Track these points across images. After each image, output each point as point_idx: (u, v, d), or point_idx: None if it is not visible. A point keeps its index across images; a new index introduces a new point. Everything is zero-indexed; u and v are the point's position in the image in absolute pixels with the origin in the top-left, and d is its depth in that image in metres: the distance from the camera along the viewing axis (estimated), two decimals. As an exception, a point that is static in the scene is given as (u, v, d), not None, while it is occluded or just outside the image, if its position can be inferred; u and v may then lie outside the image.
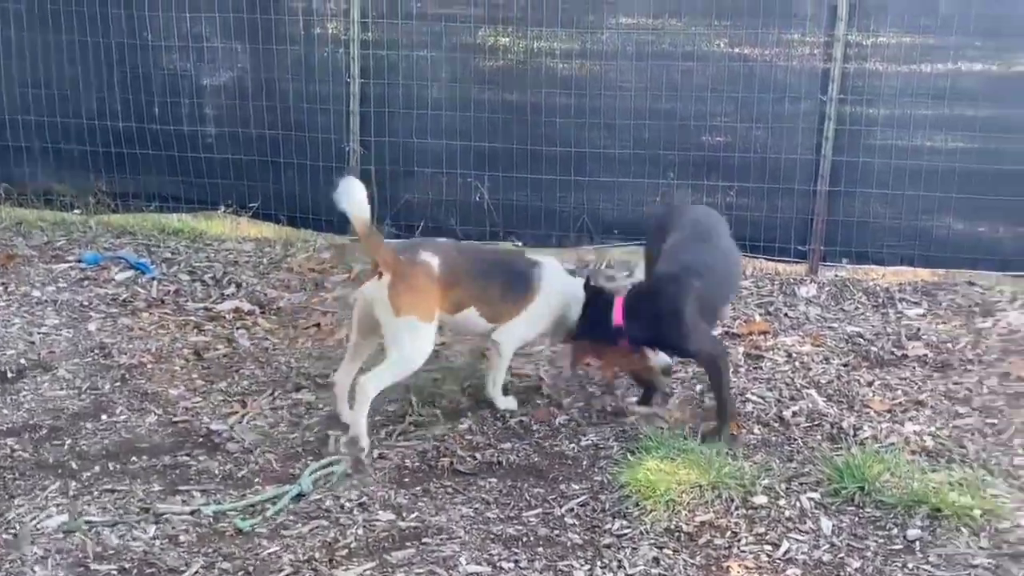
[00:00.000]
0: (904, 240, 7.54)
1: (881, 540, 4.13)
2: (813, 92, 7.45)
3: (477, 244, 5.49)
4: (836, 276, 7.30)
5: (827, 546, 4.08)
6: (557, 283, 5.26)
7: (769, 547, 4.07)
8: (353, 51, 7.85)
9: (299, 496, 4.41)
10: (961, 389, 5.54)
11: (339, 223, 7.81)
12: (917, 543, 4.09)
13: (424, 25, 7.91)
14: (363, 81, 7.88)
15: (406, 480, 4.58)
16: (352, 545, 4.08)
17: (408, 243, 5.43)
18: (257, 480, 4.59)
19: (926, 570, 3.93)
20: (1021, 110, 7.30)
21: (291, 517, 4.28)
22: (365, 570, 3.91)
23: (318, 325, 6.31)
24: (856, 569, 3.95)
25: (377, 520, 4.25)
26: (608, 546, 4.09)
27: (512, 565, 3.96)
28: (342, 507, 4.35)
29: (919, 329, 6.36)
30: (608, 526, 4.22)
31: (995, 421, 5.18)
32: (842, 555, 4.01)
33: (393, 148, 7.92)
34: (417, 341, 4.88)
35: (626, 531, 4.18)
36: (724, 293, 5.36)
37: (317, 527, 4.21)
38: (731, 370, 5.22)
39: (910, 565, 3.96)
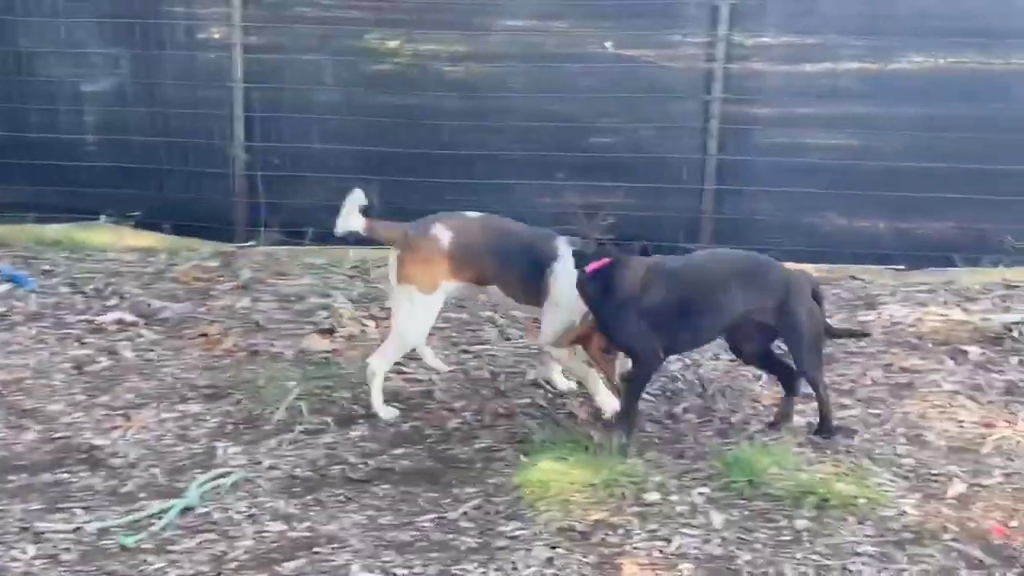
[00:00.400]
0: (790, 236, 7.68)
1: (770, 532, 4.17)
2: (697, 92, 7.57)
3: (508, 220, 5.28)
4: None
5: (718, 540, 4.10)
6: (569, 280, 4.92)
7: (661, 543, 4.08)
8: (235, 55, 7.73)
9: (186, 510, 4.30)
10: (845, 381, 5.64)
11: (225, 230, 7.71)
12: (805, 533, 4.14)
13: (309, 28, 7.84)
14: (247, 85, 7.77)
15: (297, 490, 4.50)
16: (242, 558, 3.99)
17: (436, 216, 5.28)
18: (142, 495, 4.46)
19: (814, 559, 3.98)
20: (899, 107, 7.51)
21: (178, 532, 4.17)
22: (255, 582, 3.84)
23: (205, 335, 6.18)
24: (747, 561, 3.98)
25: (267, 531, 4.16)
26: (502, 548, 4.06)
27: (406, 571, 3.90)
28: (231, 519, 4.25)
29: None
30: (502, 528, 4.20)
31: (879, 412, 5.28)
32: (733, 548, 4.04)
33: (280, 153, 7.82)
34: (414, 310, 5.04)
35: (520, 532, 4.15)
36: (702, 323, 4.81)
37: (205, 541, 4.11)
38: (646, 385, 4.96)
39: (799, 555, 4.01)
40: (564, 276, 4.89)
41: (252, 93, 7.79)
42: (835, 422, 4.95)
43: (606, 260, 4.71)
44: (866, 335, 5.86)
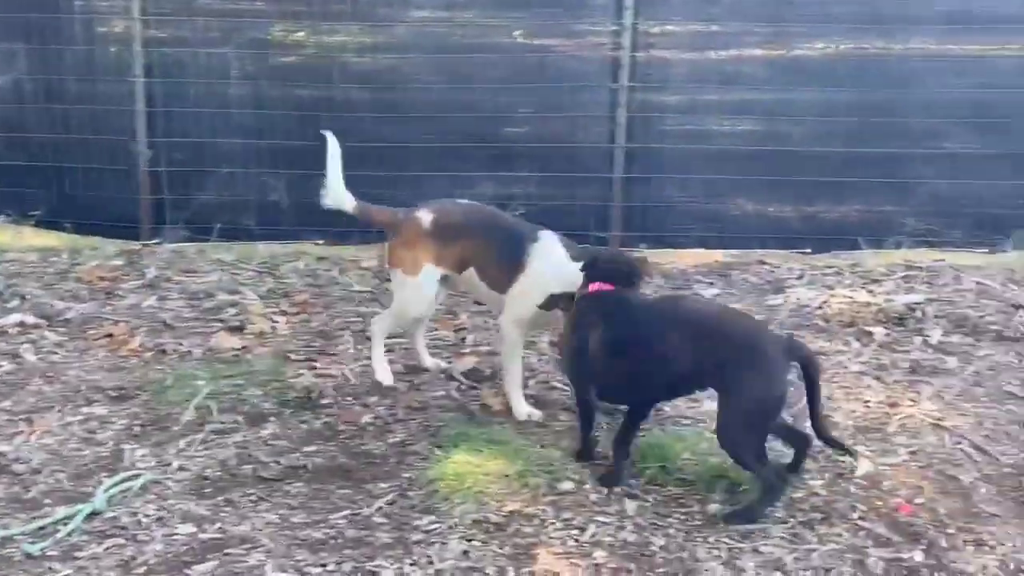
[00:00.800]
0: (698, 223, 7.76)
1: (683, 516, 4.21)
2: (605, 81, 7.59)
3: (493, 208, 5.38)
4: (637, 261, 7.43)
5: (632, 527, 4.13)
6: (548, 261, 4.91)
7: (576, 531, 4.10)
8: (136, 49, 7.57)
9: (93, 515, 4.21)
10: (756, 365, 5.70)
11: (130, 228, 7.57)
12: (716, 516, 4.18)
13: (213, 21, 7.71)
14: (148, 80, 7.62)
15: (207, 491, 4.42)
16: (151, 562, 3.91)
17: (427, 202, 5.35)
18: (47, 501, 4.35)
19: (726, 543, 4.03)
20: (802, 93, 7.61)
21: (84, 537, 4.07)
22: (165, 587, 3.77)
23: (110, 335, 6.05)
24: (661, 547, 4.01)
25: (177, 534, 4.09)
26: (418, 542, 4.04)
27: (320, 570, 3.86)
28: (139, 523, 4.17)
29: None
30: (417, 523, 4.17)
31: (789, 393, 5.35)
32: (647, 534, 4.07)
33: (184, 148, 7.69)
34: (403, 292, 5.23)
35: (435, 526, 4.14)
36: (639, 374, 4.41)
37: (113, 546, 4.02)
38: (588, 425, 4.63)
39: (711, 539, 4.05)
40: (539, 259, 4.92)
41: (154, 88, 7.64)
42: (762, 513, 4.19)
43: (609, 287, 4.53)
44: (850, 454, 4.60)
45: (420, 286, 5.18)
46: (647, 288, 4.80)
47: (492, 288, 5.11)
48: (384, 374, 5.39)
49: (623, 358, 4.39)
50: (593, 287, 4.55)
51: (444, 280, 5.25)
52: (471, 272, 5.14)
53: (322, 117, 7.63)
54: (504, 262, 5.01)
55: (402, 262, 5.19)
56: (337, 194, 5.43)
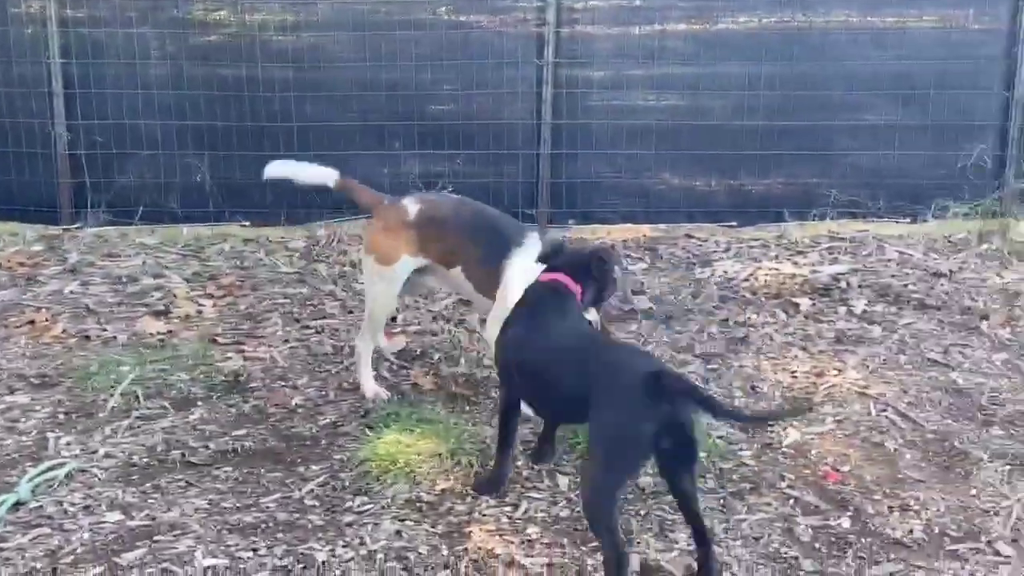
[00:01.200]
0: (625, 198, 7.80)
1: (616, 490, 4.23)
2: (530, 57, 7.58)
3: (482, 205, 5.06)
4: (564, 238, 7.41)
5: (564, 502, 4.15)
6: (523, 273, 4.54)
7: (509, 508, 4.10)
8: (51, 29, 7.40)
9: (17, 505, 4.13)
10: (684, 338, 5.77)
11: (50, 212, 7.43)
12: (648, 489, 4.21)
13: (129, 0, 7.55)
14: (65, 61, 7.45)
15: (134, 478, 4.36)
16: (78, 551, 3.85)
17: (416, 192, 5.27)
18: (-31, 493, 4.27)
19: (658, 515, 4.06)
20: (725, 67, 7.66)
21: (9, 528, 3.99)
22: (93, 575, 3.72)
23: (32, 322, 5.93)
24: (593, 521, 4.03)
25: (104, 522, 4.02)
26: (350, 524, 4.02)
27: (251, 554, 3.83)
28: (65, 512, 4.10)
29: (643, 283, 6.58)
30: (349, 504, 4.16)
31: (716, 366, 5.42)
32: (579, 509, 4.08)
33: (104, 130, 7.54)
34: (374, 287, 4.99)
35: (367, 507, 4.12)
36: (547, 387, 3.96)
37: (39, 536, 3.95)
38: (507, 430, 4.20)
39: (643, 512, 4.08)
40: (518, 268, 4.65)
41: (72, 69, 7.47)
42: None
43: (559, 277, 4.12)
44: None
45: (392, 278, 4.94)
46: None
47: (478, 290, 4.90)
48: (373, 390, 5.07)
49: (526, 363, 4.02)
50: (544, 277, 4.19)
51: (422, 273, 5.03)
52: (458, 271, 4.91)
53: (245, 97, 7.57)
54: (489, 264, 4.77)
55: (378, 249, 4.94)
56: (317, 171, 5.22)
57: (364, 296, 5.18)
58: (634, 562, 3.76)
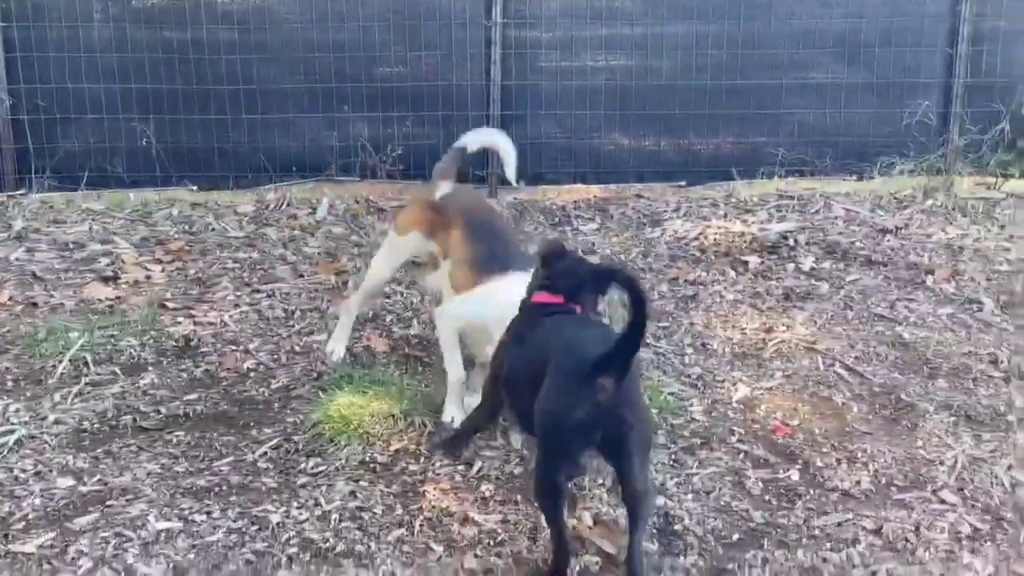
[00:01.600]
0: (576, 159, 7.81)
1: (568, 448, 4.26)
2: (478, 18, 7.54)
3: (503, 219, 5.08)
4: (515, 199, 7.45)
5: (517, 460, 4.17)
6: (500, 297, 4.16)
7: (463, 467, 4.12)
8: (-10, -8, 7.27)
9: (-34, 473, 4.10)
10: (635, 297, 5.79)
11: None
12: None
13: (70, -38, 7.42)
14: (5, 24, 7.32)
15: (85, 443, 4.33)
16: (29, 517, 3.82)
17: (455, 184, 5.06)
18: (-83, 462, 4.23)
19: (610, 470, 4.08)
20: (672, 27, 7.67)
21: (-41, 497, 3.97)
22: (45, 541, 3.68)
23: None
24: (547, 478, 4.06)
25: (56, 488, 3.99)
26: (304, 486, 4.02)
27: (204, 517, 3.82)
28: (16, 478, 4.06)
29: (594, 243, 6.61)
30: (303, 466, 4.16)
31: (667, 324, 5.46)
32: (532, 466, 4.11)
33: (47, 95, 7.42)
34: (383, 246, 5.11)
35: (321, 469, 4.12)
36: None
37: (-11, 503, 3.93)
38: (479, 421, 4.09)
39: (596, 465, 4.11)
40: (508, 285, 4.22)
41: (12, 32, 7.34)
42: None
43: (559, 300, 3.76)
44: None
45: (398, 248, 5.00)
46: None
47: (454, 289, 4.63)
48: (337, 351, 5.05)
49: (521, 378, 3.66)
50: (538, 298, 3.81)
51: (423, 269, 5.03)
52: (445, 265, 4.72)
53: (190, 59, 7.48)
54: (478, 271, 4.49)
55: (398, 217, 5.18)
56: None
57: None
58: (586, 517, 3.81)
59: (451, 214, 4.76)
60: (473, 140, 5.30)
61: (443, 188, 4.93)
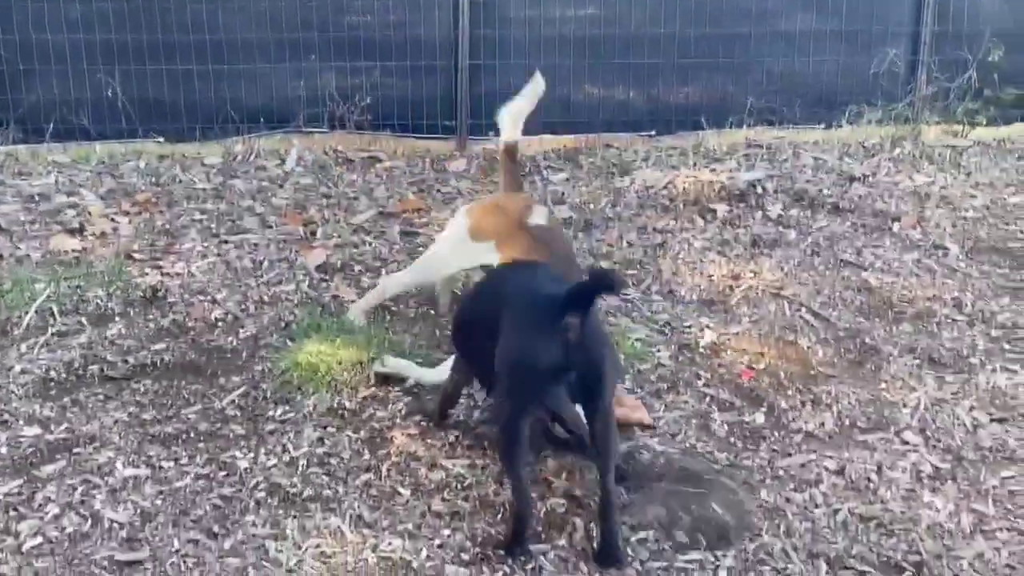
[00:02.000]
0: (544, 109, 7.69)
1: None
2: (446, -35, 7.48)
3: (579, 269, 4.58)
4: (484, 149, 7.42)
5: (484, 406, 4.20)
6: None
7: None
8: (-53, -61, 7.15)
9: (-68, 423, 4.09)
10: (603, 245, 5.82)
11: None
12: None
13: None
14: (-37, -26, 7.21)
15: (52, 392, 4.32)
16: (-4, 466, 3.84)
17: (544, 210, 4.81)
18: None
19: (578, 415, 4.12)
20: (640, -26, 7.65)
21: (-76, 446, 3.96)
22: (12, 488, 3.68)
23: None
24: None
25: (22, 436, 3.99)
26: (272, 432, 4.04)
27: (172, 464, 3.84)
28: (-19, 428, 4.07)
29: (564, 193, 6.61)
30: (271, 413, 4.17)
31: (636, 272, 5.48)
32: (494, 415, 4.14)
33: (8, 46, 7.31)
34: (449, 240, 4.78)
35: (289, 416, 4.14)
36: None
37: (-45, 453, 3.92)
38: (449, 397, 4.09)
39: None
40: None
41: (-29, -18, 7.24)
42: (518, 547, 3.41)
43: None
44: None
45: (468, 251, 4.63)
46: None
47: None
48: (360, 317, 4.87)
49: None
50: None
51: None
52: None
53: (155, 8, 7.39)
54: None
55: (479, 218, 4.68)
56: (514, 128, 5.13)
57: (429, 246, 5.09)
58: (550, 464, 3.83)
59: (535, 244, 4.36)
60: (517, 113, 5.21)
61: (537, 215, 4.60)
